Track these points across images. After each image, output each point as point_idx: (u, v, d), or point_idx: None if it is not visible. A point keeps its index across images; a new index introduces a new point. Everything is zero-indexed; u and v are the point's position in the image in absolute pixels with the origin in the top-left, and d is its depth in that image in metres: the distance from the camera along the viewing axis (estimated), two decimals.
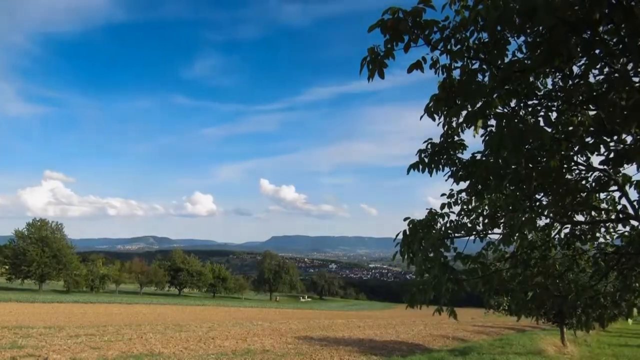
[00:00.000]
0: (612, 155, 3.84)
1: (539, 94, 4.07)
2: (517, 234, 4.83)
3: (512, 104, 4.03)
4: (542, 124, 3.41)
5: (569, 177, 4.37)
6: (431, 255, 4.63)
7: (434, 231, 4.97)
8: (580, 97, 3.71)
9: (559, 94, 3.97)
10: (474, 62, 3.96)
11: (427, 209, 5.29)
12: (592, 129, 3.74)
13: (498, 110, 3.91)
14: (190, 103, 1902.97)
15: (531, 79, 3.64)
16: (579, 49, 2.77)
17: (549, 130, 3.46)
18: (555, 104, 3.99)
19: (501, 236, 4.99)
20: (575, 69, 3.45)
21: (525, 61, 3.55)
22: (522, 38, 3.63)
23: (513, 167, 3.62)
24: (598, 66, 3.32)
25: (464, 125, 4.31)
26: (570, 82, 3.54)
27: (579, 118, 3.83)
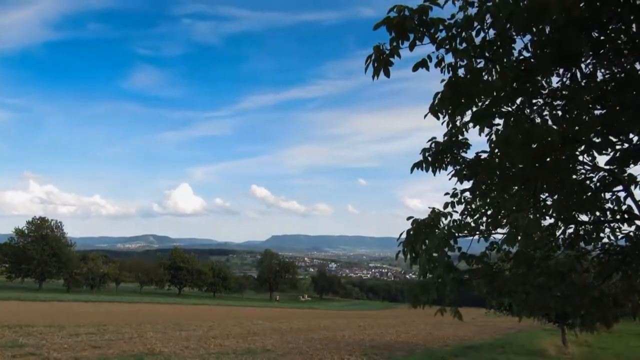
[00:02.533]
0: (618, 155, 3.81)
1: (543, 93, 4.04)
2: (521, 234, 4.79)
3: (517, 103, 4.00)
4: (549, 123, 3.37)
5: (574, 177, 4.34)
6: (435, 255, 4.60)
7: (437, 231, 4.93)
8: (586, 97, 3.68)
9: (563, 93, 3.94)
10: (478, 60, 3.93)
11: (429, 207, 5.25)
12: (599, 128, 3.71)
13: (504, 109, 3.89)
14: (142, 110, 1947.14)
15: (541, 77, 3.61)
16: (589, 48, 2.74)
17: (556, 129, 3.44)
18: (561, 103, 3.97)
19: (505, 236, 4.96)
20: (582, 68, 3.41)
21: (531, 60, 3.52)
22: (528, 37, 3.60)
23: (520, 166, 3.59)
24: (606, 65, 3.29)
25: (470, 124, 4.27)
26: (578, 82, 3.51)
27: (585, 117, 3.81)
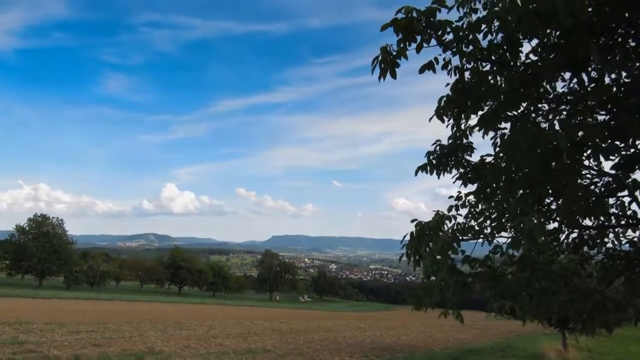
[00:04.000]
0: (623, 160, 3.80)
1: (548, 97, 4.03)
2: (526, 238, 4.78)
3: (522, 108, 4.00)
4: (557, 127, 3.36)
5: (580, 181, 4.33)
6: (439, 257, 4.59)
7: (441, 234, 4.92)
8: (592, 102, 3.67)
9: (568, 97, 3.93)
10: (484, 64, 3.92)
11: (434, 210, 5.24)
12: (605, 133, 3.70)
13: (510, 114, 3.88)
14: (117, 114, 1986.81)
15: (546, 82, 3.60)
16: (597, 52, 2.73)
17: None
18: (566, 107, 3.96)
19: (509, 240, 4.94)
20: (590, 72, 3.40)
21: (538, 64, 3.51)
22: (535, 41, 3.59)
23: (526, 170, 3.58)
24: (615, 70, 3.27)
25: (476, 127, 4.25)
26: (585, 86, 3.50)
27: (591, 122, 3.80)
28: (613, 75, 3.48)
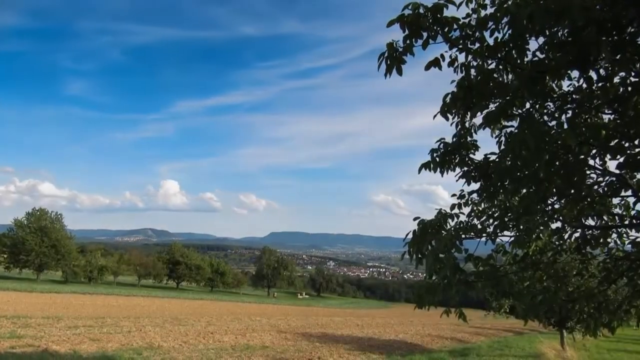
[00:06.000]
0: (630, 159, 3.78)
1: (554, 95, 4.00)
2: (532, 237, 4.76)
3: (527, 106, 3.97)
4: (565, 126, 3.33)
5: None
6: (442, 256, 4.57)
7: (444, 232, 4.90)
8: (598, 101, 3.64)
9: (574, 96, 3.90)
10: (490, 61, 3.89)
11: (436, 208, 5.21)
12: (610, 132, 3.67)
13: (517, 112, 3.85)
14: (86, 114, 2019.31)
15: (552, 80, 3.57)
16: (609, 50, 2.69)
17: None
18: (571, 106, 3.93)
19: (514, 238, 4.92)
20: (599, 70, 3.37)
21: (546, 61, 3.48)
22: (542, 39, 3.55)
23: (532, 169, 3.55)
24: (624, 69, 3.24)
25: (482, 125, 4.22)
26: (592, 85, 3.46)
27: (598, 121, 3.77)
28: (620, 74, 3.46)
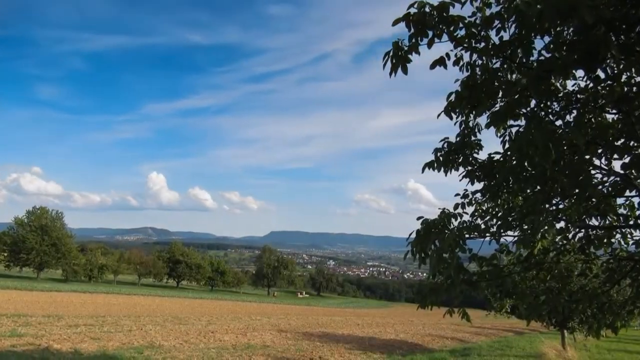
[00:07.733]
0: (635, 159, 3.76)
1: (559, 95, 3.98)
2: (537, 237, 4.74)
3: (532, 106, 3.95)
4: (572, 125, 3.31)
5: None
6: (445, 256, 4.55)
7: (447, 232, 4.88)
8: (603, 100, 3.62)
9: (578, 96, 3.88)
10: (495, 60, 3.87)
11: (439, 208, 5.19)
12: (617, 132, 3.66)
13: (522, 111, 3.83)
14: (60, 116, 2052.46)
15: (558, 80, 3.55)
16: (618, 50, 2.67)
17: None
18: (576, 106, 3.91)
19: (518, 238, 4.90)
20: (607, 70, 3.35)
21: (551, 61, 3.45)
22: (547, 38, 3.53)
23: (539, 168, 3.53)
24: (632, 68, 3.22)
25: (488, 124, 4.20)
26: (601, 84, 3.44)
27: (605, 121, 3.75)
28: (626, 74, 3.44)
